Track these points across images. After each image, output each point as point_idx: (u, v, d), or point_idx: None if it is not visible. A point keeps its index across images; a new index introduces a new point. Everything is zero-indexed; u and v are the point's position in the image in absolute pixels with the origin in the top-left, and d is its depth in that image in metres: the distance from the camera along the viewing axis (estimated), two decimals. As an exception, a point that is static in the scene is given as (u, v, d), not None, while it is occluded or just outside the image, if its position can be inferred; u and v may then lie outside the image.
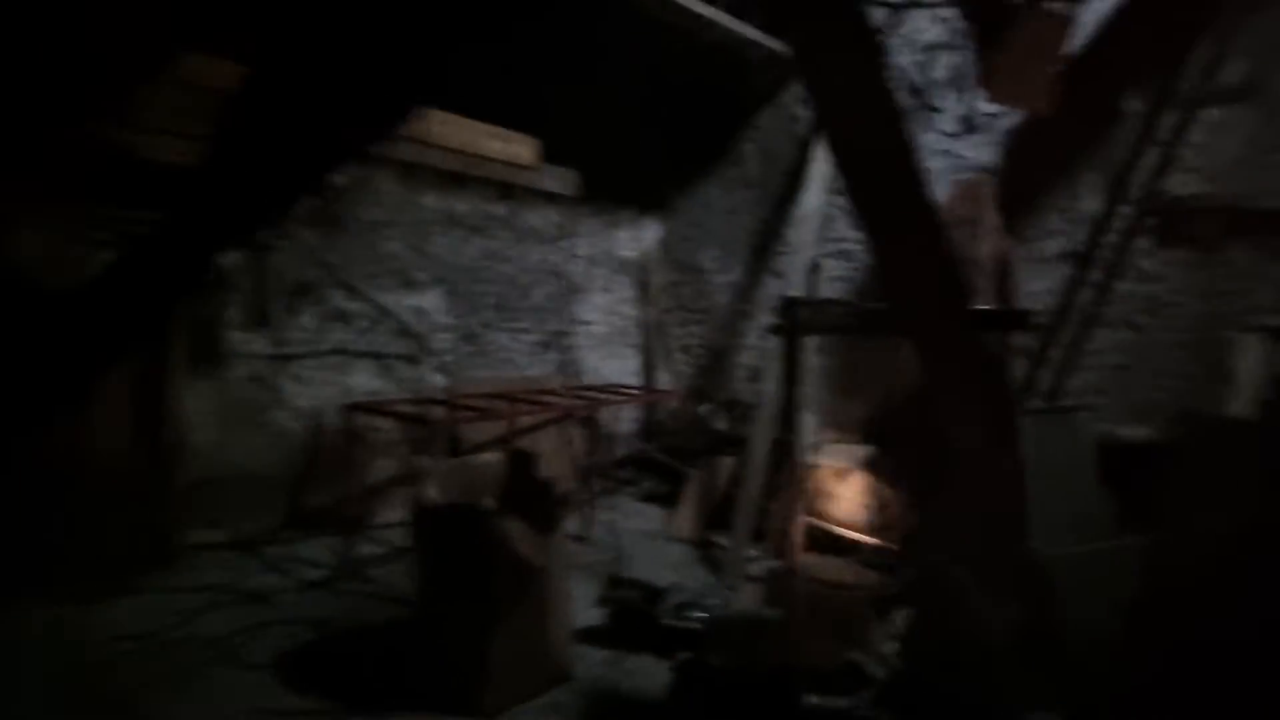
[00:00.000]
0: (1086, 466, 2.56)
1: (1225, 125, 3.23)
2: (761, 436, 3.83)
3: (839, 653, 2.38)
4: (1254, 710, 1.56)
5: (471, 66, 3.71)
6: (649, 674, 2.37)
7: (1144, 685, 1.76)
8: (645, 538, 3.93)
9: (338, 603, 2.85)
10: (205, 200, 1.39)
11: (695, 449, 4.60)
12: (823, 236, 4.38)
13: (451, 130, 3.98)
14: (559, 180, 4.69)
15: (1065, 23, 2.56)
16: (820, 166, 4.34)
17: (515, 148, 4.34)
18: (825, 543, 3.27)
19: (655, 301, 5.49)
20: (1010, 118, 3.74)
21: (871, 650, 2.40)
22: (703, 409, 5.07)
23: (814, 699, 2.16)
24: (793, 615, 2.29)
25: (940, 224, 1.52)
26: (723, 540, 3.63)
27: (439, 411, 3.27)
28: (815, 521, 3.35)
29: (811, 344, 4.40)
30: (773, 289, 4.78)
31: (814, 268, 4.00)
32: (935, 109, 4.00)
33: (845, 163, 1.45)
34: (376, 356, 3.90)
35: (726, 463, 4.11)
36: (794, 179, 4.65)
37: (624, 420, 5.39)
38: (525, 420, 4.24)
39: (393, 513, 3.64)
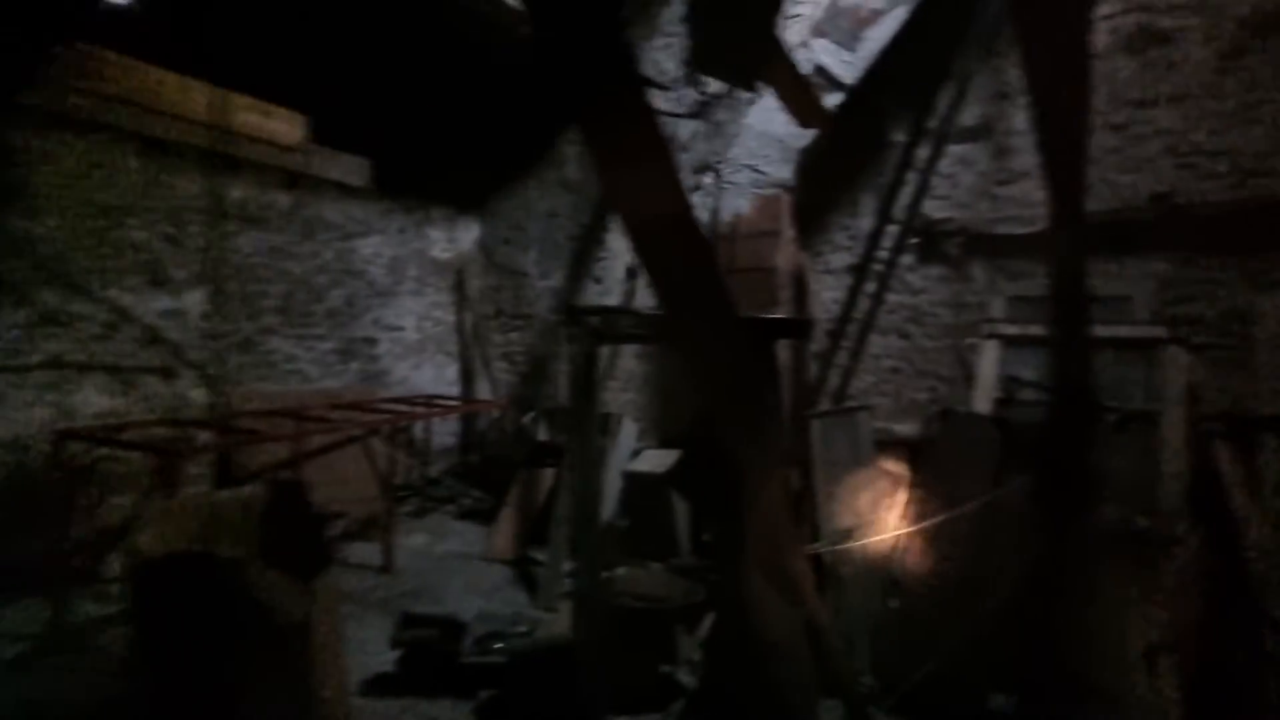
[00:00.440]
0: (867, 460, 2.80)
1: (965, 159, 3.98)
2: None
3: (651, 667, 2.30)
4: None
5: (227, 26, 3.16)
6: (446, 722, 2.12)
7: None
8: (460, 560, 3.63)
9: (44, 682, 2.26)
10: None
11: (517, 460, 4.36)
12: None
13: (190, 97, 3.31)
14: (344, 168, 4.19)
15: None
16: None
17: (276, 124, 3.69)
18: (640, 553, 3.20)
19: (473, 306, 5.17)
20: (804, 138, 3.97)
21: (681, 660, 2.35)
22: (526, 419, 4.84)
23: (622, 722, 2.05)
24: (602, 634, 2.17)
25: (706, 242, 1.58)
26: (541, 556, 3.44)
27: (205, 435, 2.73)
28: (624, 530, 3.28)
29: (630, 350, 4.38)
30: (593, 294, 4.69)
31: (631, 274, 3.96)
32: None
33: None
34: (113, 370, 3.19)
35: (548, 474, 3.93)
36: (613, 183, 4.61)
37: (441, 433, 5.00)
38: (317, 440, 3.74)
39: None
